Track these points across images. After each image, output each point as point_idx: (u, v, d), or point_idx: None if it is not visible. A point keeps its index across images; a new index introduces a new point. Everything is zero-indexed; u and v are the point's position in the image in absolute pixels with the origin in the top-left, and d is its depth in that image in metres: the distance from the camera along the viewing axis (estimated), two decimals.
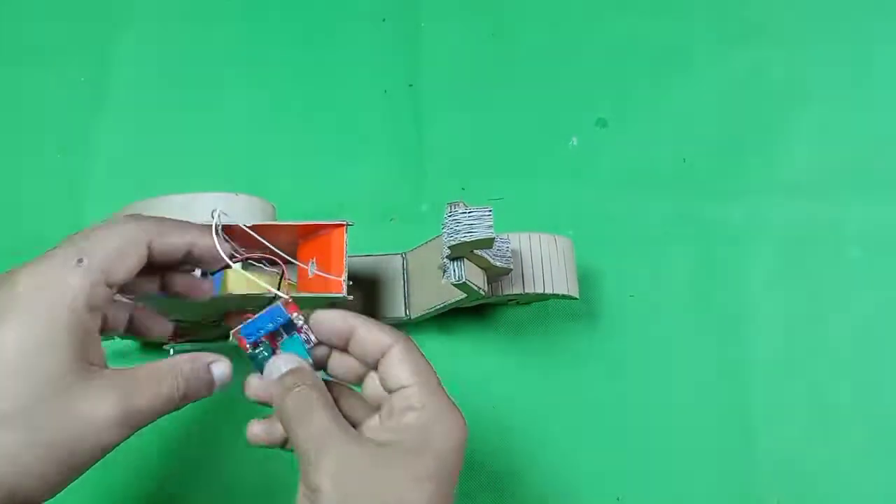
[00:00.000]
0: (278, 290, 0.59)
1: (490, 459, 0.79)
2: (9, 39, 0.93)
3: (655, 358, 0.82)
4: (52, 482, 0.46)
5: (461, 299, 0.71)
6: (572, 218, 0.86)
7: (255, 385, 0.55)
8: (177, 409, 0.51)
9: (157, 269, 0.55)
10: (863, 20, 0.93)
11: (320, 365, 0.57)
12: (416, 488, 0.48)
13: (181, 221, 0.54)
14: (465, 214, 0.63)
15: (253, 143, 0.90)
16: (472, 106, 0.91)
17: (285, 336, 0.56)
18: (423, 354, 0.55)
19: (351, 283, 0.62)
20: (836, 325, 0.83)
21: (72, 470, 0.46)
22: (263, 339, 0.55)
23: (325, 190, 0.87)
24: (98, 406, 0.46)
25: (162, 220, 0.53)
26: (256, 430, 0.55)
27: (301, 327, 0.55)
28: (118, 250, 0.50)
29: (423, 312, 0.75)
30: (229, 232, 0.63)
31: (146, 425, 0.50)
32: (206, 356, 0.53)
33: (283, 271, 0.62)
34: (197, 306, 0.64)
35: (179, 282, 0.57)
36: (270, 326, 0.55)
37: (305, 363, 0.55)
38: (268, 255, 0.63)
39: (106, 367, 0.49)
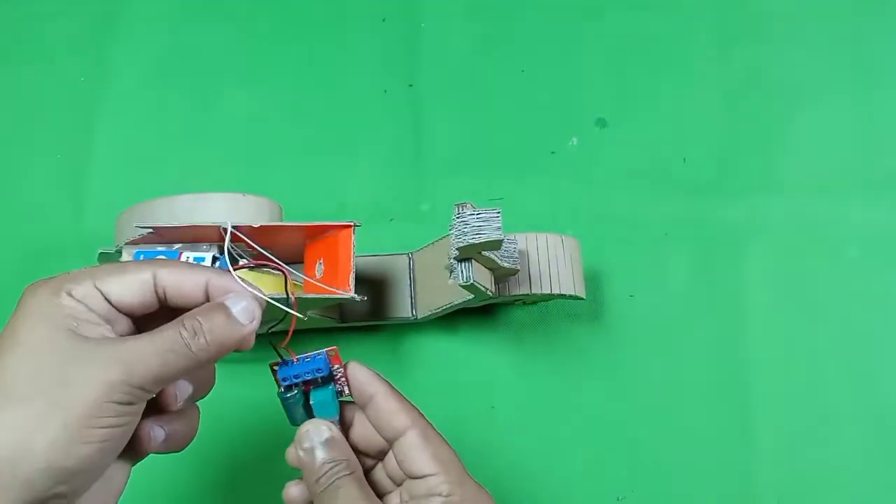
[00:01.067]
0: (286, 294, 0.59)
1: (490, 459, 0.79)
2: (9, 39, 0.93)
3: (655, 358, 0.83)
4: (82, 454, 0.44)
5: (468, 300, 0.71)
6: (572, 218, 0.87)
7: (293, 457, 0.54)
8: (204, 361, 0.48)
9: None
10: (863, 20, 0.93)
11: (347, 425, 0.57)
12: None
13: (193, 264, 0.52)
14: (473, 216, 0.63)
15: (252, 142, 0.90)
16: (472, 106, 0.91)
17: (320, 383, 0.54)
18: (442, 438, 0.54)
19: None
20: (836, 325, 0.84)
21: (93, 438, 0.44)
22: (299, 384, 0.54)
23: (325, 190, 0.87)
24: (92, 360, 0.45)
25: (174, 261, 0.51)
26: (293, 492, 0.55)
27: (338, 378, 0.54)
28: (117, 265, 0.49)
29: (430, 313, 0.75)
30: (235, 237, 0.63)
31: (163, 382, 0.47)
32: (219, 299, 0.50)
33: (286, 276, 0.61)
34: None
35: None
36: (309, 376, 0.53)
37: (338, 433, 0.54)
38: (265, 263, 0.63)
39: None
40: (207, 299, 0.50)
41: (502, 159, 0.89)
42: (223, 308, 0.49)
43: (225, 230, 0.61)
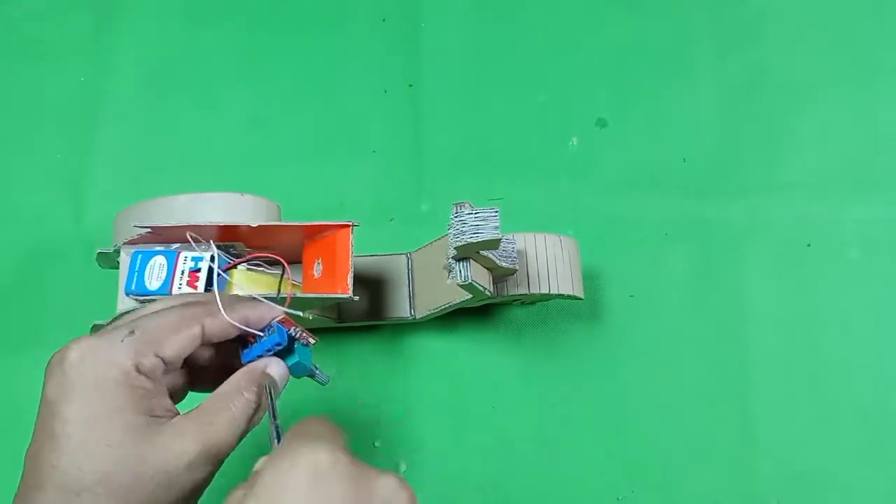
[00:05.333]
0: (279, 290, 0.60)
1: (489, 459, 0.79)
2: (8, 39, 0.93)
3: (655, 358, 0.82)
4: None
5: (466, 300, 0.71)
6: (572, 218, 0.86)
7: None
8: (256, 424, 0.51)
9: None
10: (863, 20, 0.93)
11: None
12: None
13: (234, 297, 0.55)
14: (471, 215, 0.63)
15: (252, 142, 0.90)
16: (472, 106, 0.91)
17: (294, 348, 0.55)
18: None
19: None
20: (836, 324, 0.83)
21: None
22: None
23: (325, 189, 0.88)
24: (176, 452, 0.47)
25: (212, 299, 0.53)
26: None
27: (299, 336, 0.55)
28: (168, 324, 0.50)
29: (428, 312, 0.75)
30: (235, 233, 0.63)
31: (232, 449, 0.50)
32: (260, 362, 0.53)
33: (283, 271, 0.61)
34: None
35: None
36: (271, 352, 0.54)
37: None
38: (266, 256, 0.63)
39: (176, 414, 0.50)
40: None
41: (502, 159, 0.89)
42: (271, 378, 0.53)
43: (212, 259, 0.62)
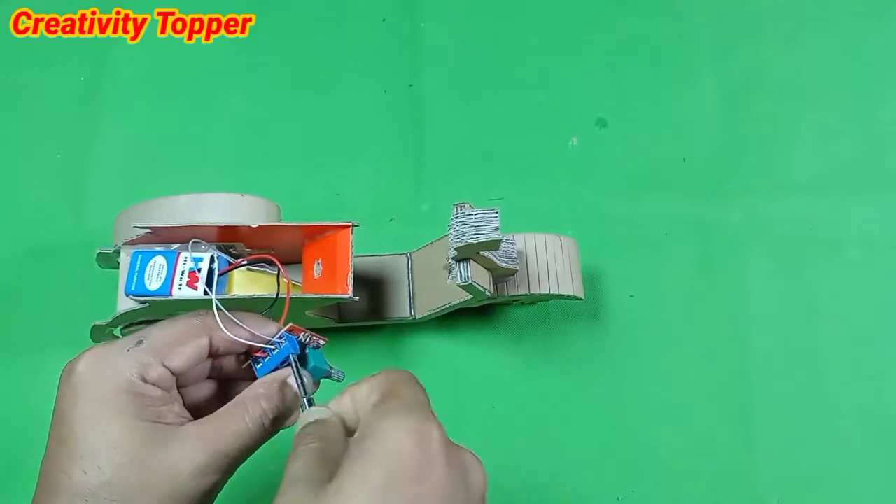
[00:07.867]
0: (277, 290, 0.60)
1: (489, 459, 0.78)
2: (9, 39, 0.93)
3: (655, 358, 0.82)
4: None
5: (466, 300, 0.71)
6: (572, 218, 0.86)
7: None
8: (274, 433, 0.52)
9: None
10: (863, 20, 0.93)
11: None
12: None
13: (238, 314, 0.55)
14: (471, 216, 0.63)
15: (252, 142, 0.90)
16: (472, 106, 0.91)
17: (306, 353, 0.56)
18: None
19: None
20: (836, 325, 0.83)
21: None
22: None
23: (325, 190, 0.88)
24: (182, 457, 0.47)
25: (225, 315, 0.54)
26: None
27: (309, 341, 0.56)
28: (175, 335, 0.52)
29: (428, 313, 0.75)
30: (235, 234, 0.63)
31: (245, 459, 0.50)
32: (279, 373, 0.54)
33: (279, 271, 0.61)
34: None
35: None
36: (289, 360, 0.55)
37: (335, 417, 0.51)
38: (266, 257, 0.63)
39: (188, 421, 0.50)
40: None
41: (502, 159, 0.89)
42: (293, 391, 0.53)
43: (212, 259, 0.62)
